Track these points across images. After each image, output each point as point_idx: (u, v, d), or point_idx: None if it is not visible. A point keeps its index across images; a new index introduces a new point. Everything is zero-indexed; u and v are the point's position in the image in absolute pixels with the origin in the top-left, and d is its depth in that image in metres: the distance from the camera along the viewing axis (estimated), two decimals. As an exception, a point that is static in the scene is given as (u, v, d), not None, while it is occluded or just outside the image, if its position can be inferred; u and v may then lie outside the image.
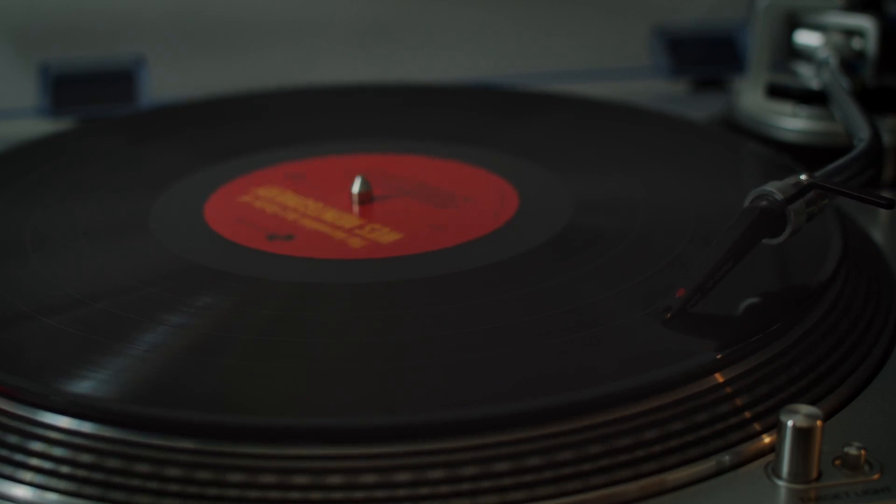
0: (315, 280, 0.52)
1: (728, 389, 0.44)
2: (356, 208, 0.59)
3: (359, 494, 0.40)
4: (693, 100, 0.89)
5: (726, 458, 0.43)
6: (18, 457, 0.42)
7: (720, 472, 0.42)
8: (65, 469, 0.42)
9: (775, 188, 0.49)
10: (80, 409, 0.42)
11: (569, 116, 0.74)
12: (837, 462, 0.42)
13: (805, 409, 0.41)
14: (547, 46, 0.94)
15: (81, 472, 0.41)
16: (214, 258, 0.54)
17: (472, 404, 0.42)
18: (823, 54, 0.70)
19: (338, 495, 0.40)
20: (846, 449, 0.42)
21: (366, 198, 0.60)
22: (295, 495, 0.40)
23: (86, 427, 0.42)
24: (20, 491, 0.42)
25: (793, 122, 0.73)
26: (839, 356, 0.48)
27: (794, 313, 0.48)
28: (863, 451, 0.42)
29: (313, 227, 0.57)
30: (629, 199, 0.60)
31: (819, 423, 0.41)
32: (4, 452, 0.43)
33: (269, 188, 0.62)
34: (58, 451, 0.42)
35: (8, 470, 0.42)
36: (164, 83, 0.85)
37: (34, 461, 0.42)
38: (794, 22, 0.74)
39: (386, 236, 0.56)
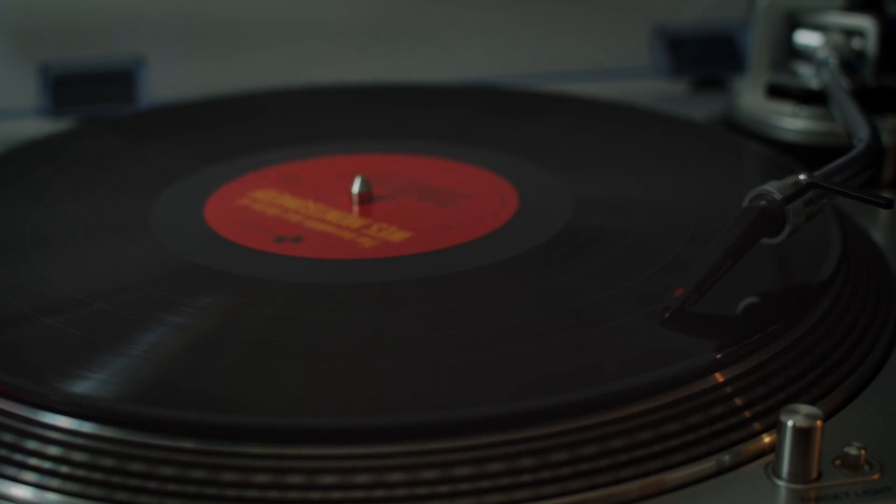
0: (315, 280, 0.52)
1: (728, 389, 0.44)
2: (356, 209, 0.59)
3: (357, 494, 0.40)
4: (693, 100, 0.89)
5: (726, 458, 0.43)
6: (18, 457, 0.42)
7: (720, 472, 0.42)
8: (64, 469, 0.42)
9: (774, 188, 0.49)
10: (80, 409, 0.42)
11: (568, 116, 0.74)
12: (837, 462, 0.42)
13: (805, 409, 0.41)
14: (547, 46, 0.94)
15: (81, 472, 0.41)
16: (214, 258, 0.54)
17: (473, 404, 0.42)
18: (823, 54, 0.70)
19: (337, 495, 0.40)
20: (846, 449, 0.42)
21: (366, 198, 0.60)
22: (294, 495, 0.40)
23: (85, 427, 0.42)
24: (20, 491, 0.42)
25: (793, 122, 0.73)
26: (839, 356, 0.48)
27: (793, 313, 0.48)
28: (863, 451, 0.42)
29: (320, 228, 0.57)
30: (629, 198, 0.60)
31: (819, 423, 0.41)
32: (4, 452, 0.42)
33: (266, 191, 0.62)
34: (57, 451, 0.42)
35: (7, 470, 0.42)
36: (164, 83, 0.85)
37: (34, 461, 0.42)
38: (794, 22, 0.74)
39: (395, 235, 0.56)
